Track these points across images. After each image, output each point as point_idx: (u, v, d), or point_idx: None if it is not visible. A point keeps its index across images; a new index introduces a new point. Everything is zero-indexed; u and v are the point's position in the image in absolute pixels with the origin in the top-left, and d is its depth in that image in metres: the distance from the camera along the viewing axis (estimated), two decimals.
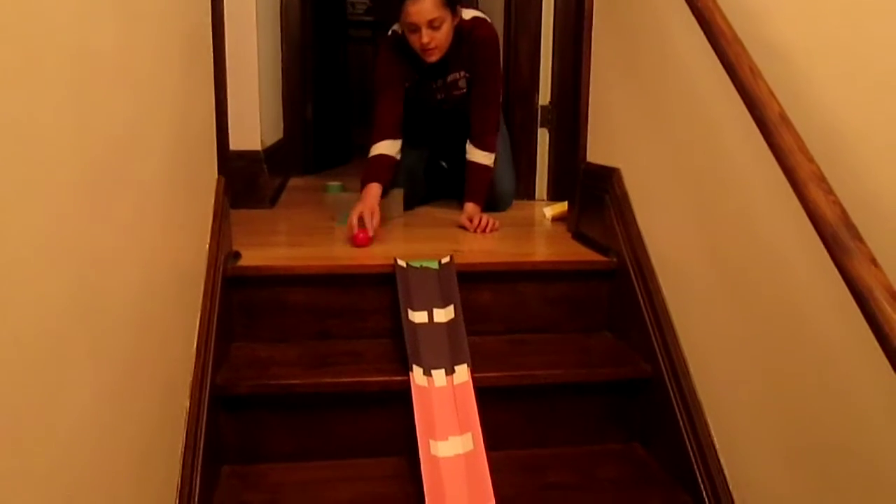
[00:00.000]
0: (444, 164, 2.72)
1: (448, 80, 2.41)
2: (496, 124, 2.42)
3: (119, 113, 0.91)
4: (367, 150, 2.32)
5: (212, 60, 1.62)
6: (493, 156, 2.39)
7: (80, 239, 0.76)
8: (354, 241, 1.94)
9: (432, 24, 2.16)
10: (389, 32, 2.38)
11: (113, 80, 0.89)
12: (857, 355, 1.00)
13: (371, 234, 1.97)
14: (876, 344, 0.85)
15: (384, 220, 2.20)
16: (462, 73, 2.40)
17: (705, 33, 1.23)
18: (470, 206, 2.29)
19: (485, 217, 2.22)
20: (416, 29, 2.17)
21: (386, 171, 2.26)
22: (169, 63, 1.21)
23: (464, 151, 2.43)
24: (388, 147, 2.29)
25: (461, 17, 2.29)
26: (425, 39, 2.17)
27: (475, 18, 2.35)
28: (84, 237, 0.77)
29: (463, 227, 2.22)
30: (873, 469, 0.99)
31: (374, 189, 2.16)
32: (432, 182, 2.74)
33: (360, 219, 1.99)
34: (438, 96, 2.46)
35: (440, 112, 2.54)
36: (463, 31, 2.31)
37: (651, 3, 1.63)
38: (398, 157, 2.33)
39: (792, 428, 1.16)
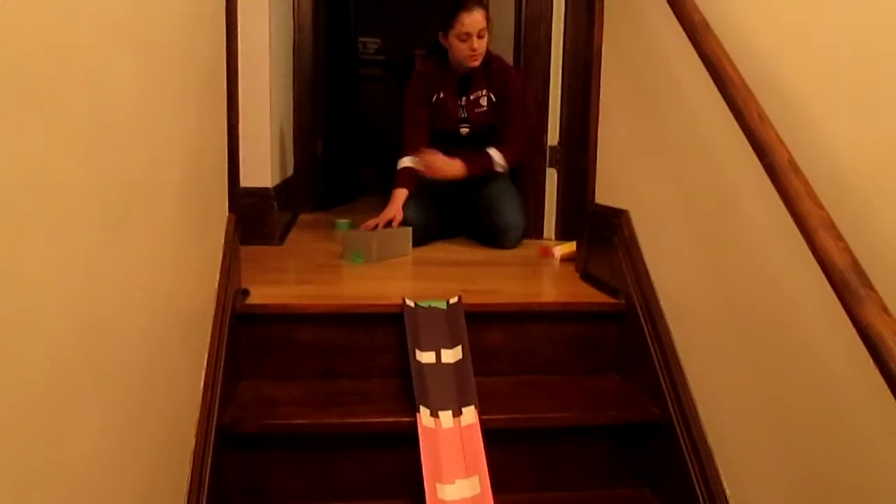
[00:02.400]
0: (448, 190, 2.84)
1: (471, 98, 2.75)
2: (519, 145, 2.76)
3: (135, 156, 0.93)
4: (392, 169, 2.77)
5: (225, 99, 1.64)
6: (502, 163, 2.70)
7: (91, 279, 0.77)
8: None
9: (480, 34, 2.62)
10: (417, 63, 2.86)
11: (132, 123, 0.90)
12: (870, 402, 0.99)
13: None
14: (888, 391, 0.84)
15: (393, 257, 2.38)
16: (483, 92, 2.75)
17: (713, 79, 1.25)
18: (456, 161, 2.65)
19: (443, 165, 2.63)
20: (466, 38, 2.61)
21: (412, 181, 2.68)
22: (185, 103, 1.23)
23: (474, 189, 2.72)
24: (413, 162, 2.69)
25: None
26: (475, 46, 2.63)
27: (491, 52, 2.74)
28: (95, 277, 0.78)
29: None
30: None
31: (402, 194, 2.64)
32: (444, 219, 2.78)
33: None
34: (461, 115, 2.77)
35: (458, 139, 2.77)
36: (485, 57, 2.71)
37: (659, 47, 1.65)
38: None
39: (804, 477, 1.14)
